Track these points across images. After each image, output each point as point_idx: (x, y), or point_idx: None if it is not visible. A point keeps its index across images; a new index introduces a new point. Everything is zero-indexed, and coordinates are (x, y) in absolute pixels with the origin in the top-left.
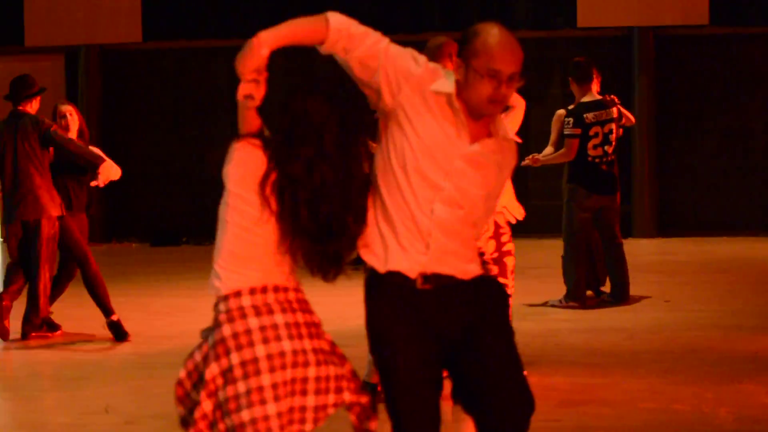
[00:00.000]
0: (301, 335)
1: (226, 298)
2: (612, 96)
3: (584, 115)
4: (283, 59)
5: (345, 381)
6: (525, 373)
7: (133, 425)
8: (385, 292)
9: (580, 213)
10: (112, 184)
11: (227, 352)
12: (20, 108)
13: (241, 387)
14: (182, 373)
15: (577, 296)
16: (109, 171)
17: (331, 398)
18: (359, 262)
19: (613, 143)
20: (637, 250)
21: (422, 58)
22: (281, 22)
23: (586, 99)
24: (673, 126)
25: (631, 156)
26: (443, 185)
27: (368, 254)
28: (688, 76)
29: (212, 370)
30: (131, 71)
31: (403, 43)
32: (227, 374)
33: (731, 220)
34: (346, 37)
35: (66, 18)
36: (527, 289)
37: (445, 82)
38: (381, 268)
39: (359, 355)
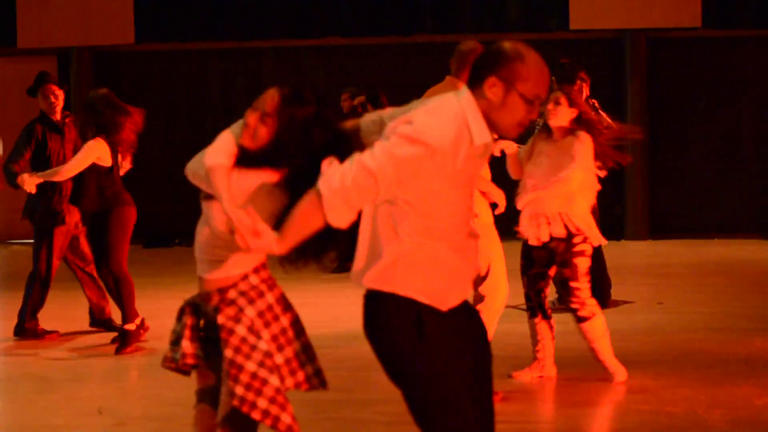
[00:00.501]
0: (286, 308)
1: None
2: (592, 100)
3: None
4: None
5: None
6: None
7: (126, 426)
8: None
9: None
10: None
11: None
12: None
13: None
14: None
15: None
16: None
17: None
18: (343, 269)
19: None
20: (630, 253)
21: (412, 127)
22: (275, 23)
23: None
24: (664, 128)
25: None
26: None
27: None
28: (680, 79)
29: (282, 323)
30: (123, 73)
31: (395, 46)
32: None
33: (723, 222)
34: (352, 196)
35: (58, 20)
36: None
37: (480, 129)
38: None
39: (353, 355)
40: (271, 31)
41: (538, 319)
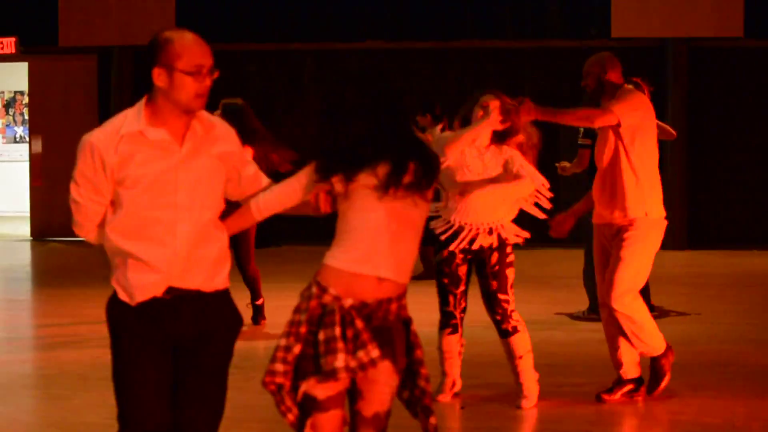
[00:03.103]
0: None
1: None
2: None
3: None
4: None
5: None
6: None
7: None
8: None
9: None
10: None
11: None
12: None
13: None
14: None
15: (597, 309)
16: None
17: None
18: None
19: None
20: (668, 263)
21: None
22: (316, 26)
23: None
24: (705, 138)
25: (662, 168)
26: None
27: None
28: (721, 89)
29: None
30: None
31: (436, 50)
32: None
33: (762, 233)
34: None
35: (100, 19)
36: (556, 299)
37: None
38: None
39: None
40: (311, 33)
41: (455, 336)
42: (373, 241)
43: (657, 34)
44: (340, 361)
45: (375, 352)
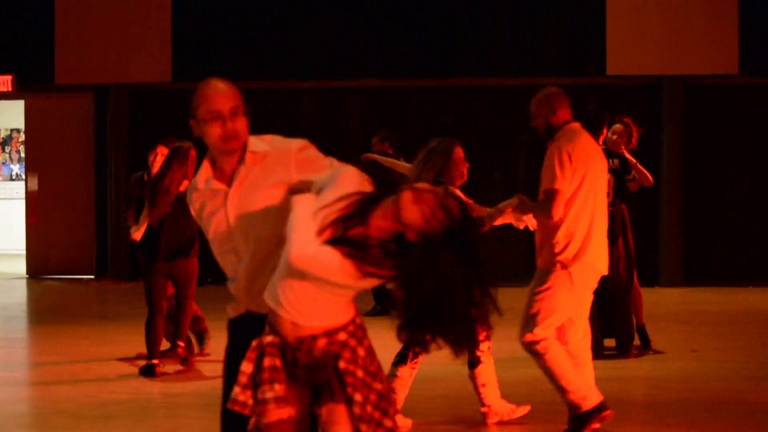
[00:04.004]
0: None
1: (353, 319)
2: (624, 150)
3: None
4: None
5: None
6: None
7: None
8: None
9: None
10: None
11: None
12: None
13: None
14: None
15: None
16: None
17: None
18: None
19: (611, 194)
20: (664, 300)
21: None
22: (313, 64)
23: None
24: (700, 175)
25: (658, 204)
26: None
27: None
28: (716, 126)
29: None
30: (160, 110)
31: (431, 89)
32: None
33: (759, 270)
34: None
35: (96, 57)
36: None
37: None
38: None
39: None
40: (308, 71)
41: (409, 367)
42: None
43: (653, 72)
44: (239, 395)
45: (274, 392)
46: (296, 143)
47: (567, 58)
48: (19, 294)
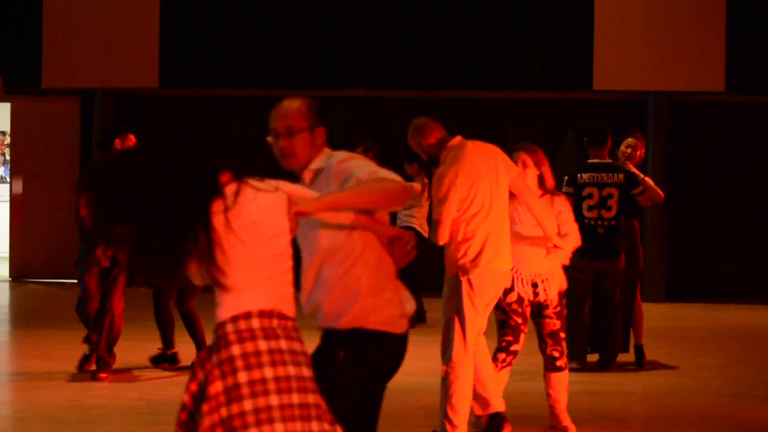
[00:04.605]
0: (299, 363)
1: (235, 318)
2: (631, 165)
3: (578, 175)
4: None
5: (326, 413)
6: None
7: None
8: None
9: (575, 274)
10: None
11: (234, 371)
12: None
13: (248, 405)
14: (186, 398)
15: (576, 356)
16: None
17: (317, 426)
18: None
19: (614, 208)
20: (646, 315)
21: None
22: (298, 73)
23: (591, 160)
24: (685, 191)
25: (642, 220)
26: None
27: None
28: (702, 143)
29: (216, 387)
30: (146, 116)
31: (417, 100)
32: (232, 392)
33: (741, 287)
34: None
35: (83, 61)
36: (535, 348)
37: None
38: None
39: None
40: (294, 80)
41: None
42: None
43: (639, 88)
44: None
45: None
46: (340, 156)
47: (553, 72)
48: (1, 297)
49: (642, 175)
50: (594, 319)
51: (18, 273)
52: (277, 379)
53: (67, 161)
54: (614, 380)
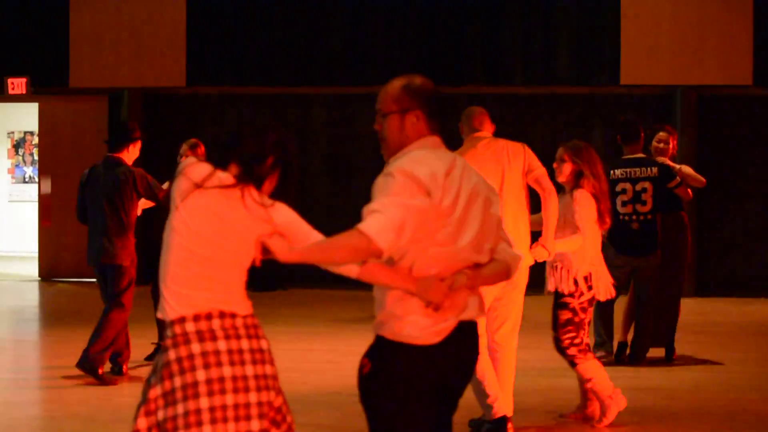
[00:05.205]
0: (244, 361)
1: (171, 323)
2: (667, 159)
3: (612, 171)
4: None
5: (280, 414)
6: None
7: None
8: None
9: (612, 271)
10: None
11: (170, 376)
12: (115, 155)
13: (180, 409)
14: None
15: (604, 346)
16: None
17: (257, 425)
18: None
19: (649, 202)
20: None
21: None
22: (326, 70)
23: (626, 156)
24: (714, 185)
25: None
26: None
27: None
28: (730, 136)
29: (155, 391)
30: (174, 115)
31: (445, 96)
32: (168, 396)
33: None
34: None
35: (111, 61)
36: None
37: None
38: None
39: None
40: (320, 77)
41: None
42: None
43: (666, 82)
44: None
45: None
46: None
47: (580, 68)
48: (31, 297)
49: (678, 166)
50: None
51: (47, 273)
52: (209, 381)
53: (95, 161)
54: (644, 375)
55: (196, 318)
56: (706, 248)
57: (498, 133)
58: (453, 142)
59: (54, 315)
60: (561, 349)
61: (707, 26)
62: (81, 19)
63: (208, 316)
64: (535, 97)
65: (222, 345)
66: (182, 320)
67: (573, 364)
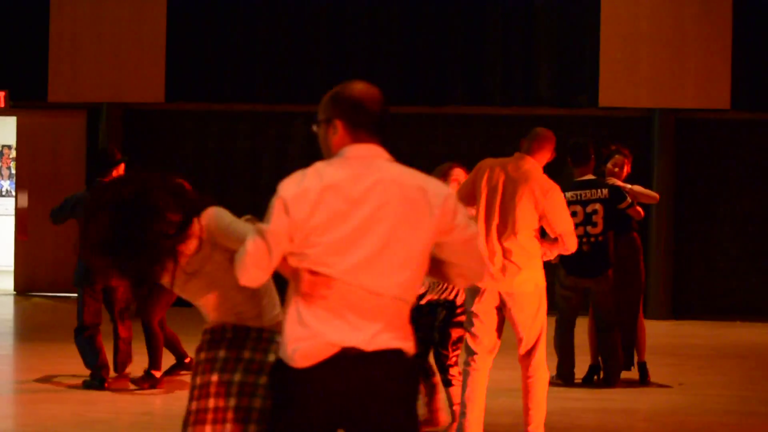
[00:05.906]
0: (235, 369)
1: (203, 332)
2: (619, 182)
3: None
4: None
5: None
6: None
7: None
8: None
9: (562, 291)
10: None
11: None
12: (102, 180)
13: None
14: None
15: (562, 374)
16: None
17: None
18: None
19: (600, 224)
20: (651, 332)
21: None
22: (306, 88)
23: (576, 178)
24: (690, 208)
25: (648, 237)
26: None
27: None
28: (707, 160)
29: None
30: (152, 131)
31: (425, 116)
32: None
33: (746, 305)
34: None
35: (90, 75)
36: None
37: None
38: None
39: None
40: (300, 95)
41: None
42: None
43: (645, 105)
44: None
45: None
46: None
47: (559, 89)
48: (5, 311)
49: (629, 187)
50: (595, 337)
51: (23, 286)
52: (201, 386)
53: (73, 175)
54: (619, 397)
55: (213, 330)
56: (682, 271)
57: (478, 154)
58: (400, 158)
59: (29, 329)
60: (443, 366)
61: (686, 50)
62: (60, 33)
63: (222, 329)
64: (513, 118)
65: (222, 354)
66: (204, 331)
67: (449, 383)
